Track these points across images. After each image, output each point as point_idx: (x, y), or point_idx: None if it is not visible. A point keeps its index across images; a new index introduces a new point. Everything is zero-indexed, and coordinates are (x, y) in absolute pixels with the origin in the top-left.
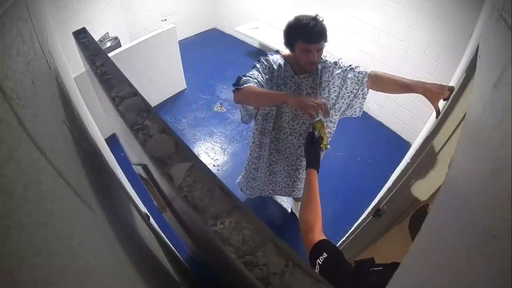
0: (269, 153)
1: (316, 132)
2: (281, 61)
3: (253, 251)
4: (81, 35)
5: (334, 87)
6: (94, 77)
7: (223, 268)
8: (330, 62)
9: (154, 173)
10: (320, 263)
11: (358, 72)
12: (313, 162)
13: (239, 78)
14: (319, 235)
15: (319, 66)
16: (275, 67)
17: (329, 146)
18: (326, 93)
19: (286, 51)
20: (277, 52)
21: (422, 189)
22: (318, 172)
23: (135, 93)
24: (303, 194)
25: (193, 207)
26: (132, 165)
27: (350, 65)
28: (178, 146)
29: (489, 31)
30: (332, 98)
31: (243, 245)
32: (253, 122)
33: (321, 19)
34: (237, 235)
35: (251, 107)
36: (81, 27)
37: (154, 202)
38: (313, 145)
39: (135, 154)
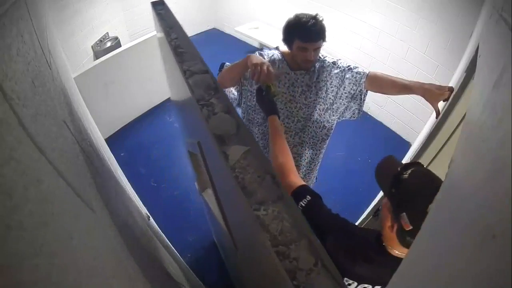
0: (262, 147)
1: (263, 86)
2: (277, 56)
3: (288, 243)
4: (159, 6)
5: (331, 87)
6: (166, 46)
7: (252, 255)
8: (328, 62)
9: (208, 150)
10: (304, 205)
11: (356, 73)
12: (270, 110)
13: (222, 64)
14: (298, 179)
15: (317, 65)
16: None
17: (278, 89)
18: (323, 92)
19: (285, 48)
20: (276, 48)
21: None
22: (279, 117)
23: (206, 71)
24: (270, 142)
25: (242, 189)
26: (185, 140)
27: (348, 66)
28: (240, 128)
29: (489, 31)
30: (330, 98)
31: (280, 235)
32: (241, 111)
33: (320, 19)
34: (277, 224)
35: (234, 93)
36: (80, 27)
37: (196, 182)
38: (263, 96)
39: (192, 128)
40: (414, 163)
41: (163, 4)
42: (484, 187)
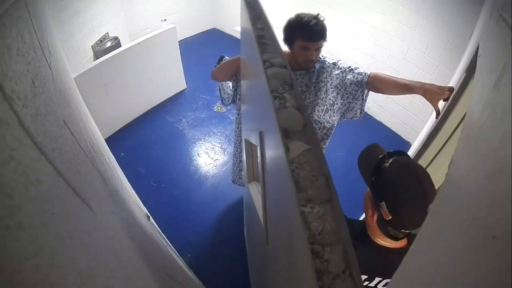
0: None
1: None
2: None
3: (324, 244)
4: None
5: (331, 88)
6: (250, 34)
7: (281, 250)
8: (328, 63)
9: (269, 140)
10: None
11: (358, 73)
12: None
13: (222, 57)
14: None
15: (317, 66)
16: None
17: None
18: (323, 93)
19: (284, 48)
20: None
21: None
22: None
23: (286, 66)
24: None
25: (295, 183)
26: (243, 129)
27: (349, 66)
28: (306, 127)
29: (489, 31)
30: (330, 99)
31: (319, 235)
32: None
33: (322, 18)
34: (319, 224)
35: (229, 91)
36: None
37: (245, 171)
38: None
39: (258, 117)
40: (398, 151)
41: None
42: (484, 188)
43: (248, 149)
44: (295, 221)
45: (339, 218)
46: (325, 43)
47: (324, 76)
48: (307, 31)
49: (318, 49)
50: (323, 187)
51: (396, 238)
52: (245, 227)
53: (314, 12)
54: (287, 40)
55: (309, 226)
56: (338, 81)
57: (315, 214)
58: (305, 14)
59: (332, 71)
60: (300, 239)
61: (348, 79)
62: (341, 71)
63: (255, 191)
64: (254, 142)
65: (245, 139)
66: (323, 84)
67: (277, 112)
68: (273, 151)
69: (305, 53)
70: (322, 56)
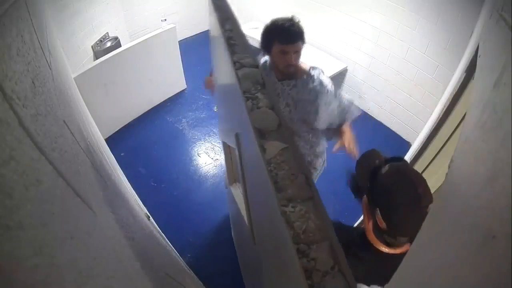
0: None
1: None
2: (268, 64)
3: (310, 243)
4: None
5: (314, 108)
6: (219, 36)
7: (271, 251)
8: (317, 81)
9: (245, 141)
10: None
11: (347, 106)
12: None
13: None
14: None
15: (306, 79)
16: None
17: None
18: (306, 112)
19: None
20: (269, 56)
21: None
22: None
23: (256, 66)
24: None
25: (274, 183)
26: (220, 131)
27: (339, 92)
28: (281, 126)
29: (489, 31)
30: (313, 113)
31: (303, 234)
32: None
33: (297, 20)
34: (302, 223)
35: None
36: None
37: (226, 175)
38: None
39: (232, 119)
40: (396, 158)
41: None
42: (485, 188)
43: (226, 151)
44: (278, 222)
45: (322, 215)
46: (303, 46)
47: (311, 94)
48: (283, 33)
49: (297, 52)
50: (303, 185)
51: (394, 246)
52: (232, 228)
53: (289, 15)
54: (264, 46)
55: (292, 226)
56: (324, 105)
57: (297, 213)
58: (280, 18)
59: (320, 90)
60: (285, 239)
61: (333, 108)
62: (327, 94)
63: (237, 193)
64: (231, 145)
65: (222, 141)
66: (308, 103)
67: (250, 113)
68: (250, 152)
69: (284, 57)
70: (313, 70)
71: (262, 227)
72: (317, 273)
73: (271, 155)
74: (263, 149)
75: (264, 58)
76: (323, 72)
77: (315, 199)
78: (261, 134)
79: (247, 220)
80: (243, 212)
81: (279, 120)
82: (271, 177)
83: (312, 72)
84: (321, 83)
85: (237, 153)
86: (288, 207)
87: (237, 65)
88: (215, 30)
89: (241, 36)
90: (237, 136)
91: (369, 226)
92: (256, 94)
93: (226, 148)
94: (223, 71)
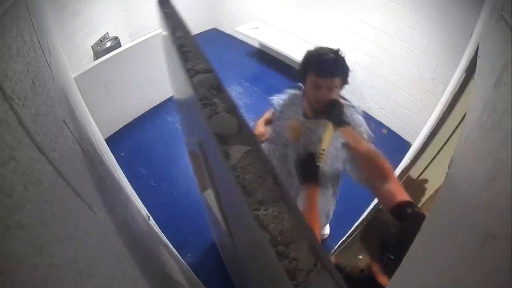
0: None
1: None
2: (296, 100)
3: (288, 243)
4: (165, 5)
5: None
6: (171, 45)
7: (251, 255)
8: (350, 119)
9: (209, 149)
10: None
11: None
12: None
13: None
14: None
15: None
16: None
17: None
18: (339, 154)
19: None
20: (298, 87)
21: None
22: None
23: (210, 70)
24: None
25: (243, 189)
26: (185, 140)
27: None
28: (241, 128)
29: (489, 31)
30: (345, 159)
31: (280, 235)
32: None
33: (342, 54)
34: (277, 224)
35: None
36: (80, 27)
37: (197, 181)
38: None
39: (195, 127)
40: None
41: (169, 2)
42: (485, 188)
43: (193, 159)
44: (253, 227)
45: (295, 214)
46: (343, 84)
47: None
48: (319, 64)
49: (332, 89)
50: (272, 186)
51: None
52: (212, 233)
53: (336, 46)
54: (300, 75)
55: (267, 229)
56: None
57: (270, 215)
58: (325, 47)
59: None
60: (263, 243)
61: None
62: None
63: (211, 199)
64: (197, 152)
65: (189, 150)
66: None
67: (209, 120)
68: (215, 159)
69: (315, 91)
70: (346, 106)
71: (239, 232)
72: (300, 273)
73: (236, 160)
74: (226, 155)
75: (290, 95)
76: (357, 111)
77: (286, 198)
78: (223, 140)
79: (225, 227)
80: (220, 219)
81: (239, 123)
82: (238, 182)
83: (345, 111)
84: (354, 123)
85: (203, 161)
86: (260, 210)
87: (191, 72)
88: (166, 39)
89: (193, 42)
90: (200, 144)
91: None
92: (213, 100)
93: (192, 156)
94: (178, 80)
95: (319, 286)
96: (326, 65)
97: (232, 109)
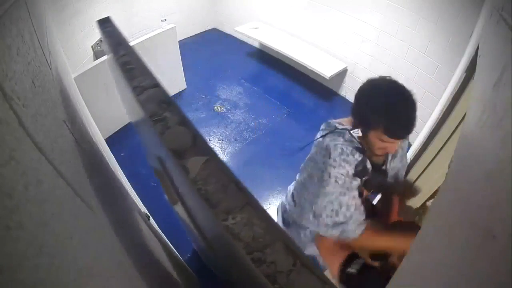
0: None
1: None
2: (356, 147)
3: (262, 248)
4: (105, 24)
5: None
6: (116, 66)
7: (231, 263)
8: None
9: (169, 165)
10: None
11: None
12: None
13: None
14: None
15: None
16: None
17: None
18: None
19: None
20: (347, 130)
21: (422, 189)
22: None
23: (157, 84)
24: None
25: (206, 201)
26: (147, 157)
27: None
28: (196, 139)
29: (489, 31)
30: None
31: (253, 242)
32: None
33: (414, 99)
34: (248, 231)
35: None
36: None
37: (165, 195)
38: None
39: (152, 145)
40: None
41: (110, 21)
42: (485, 188)
43: (158, 175)
44: (225, 237)
45: (265, 216)
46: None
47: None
48: (397, 125)
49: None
50: (236, 193)
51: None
52: (191, 240)
53: (401, 83)
54: (360, 119)
55: (239, 237)
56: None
57: (240, 223)
58: (392, 86)
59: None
60: (238, 252)
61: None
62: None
63: (182, 212)
64: (159, 169)
65: (152, 166)
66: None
67: (162, 136)
68: (175, 174)
69: (384, 145)
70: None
71: (214, 242)
72: (281, 275)
73: (195, 172)
74: (185, 169)
75: (348, 143)
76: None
77: (252, 203)
78: (179, 154)
79: (200, 237)
80: (194, 230)
81: (193, 133)
82: (201, 195)
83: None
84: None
85: (166, 176)
86: (228, 220)
87: (138, 90)
88: (110, 60)
89: (137, 58)
90: (160, 160)
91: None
92: (164, 115)
93: (157, 172)
94: (128, 100)
95: (302, 285)
96: (406, 127)
97: (184, 121)
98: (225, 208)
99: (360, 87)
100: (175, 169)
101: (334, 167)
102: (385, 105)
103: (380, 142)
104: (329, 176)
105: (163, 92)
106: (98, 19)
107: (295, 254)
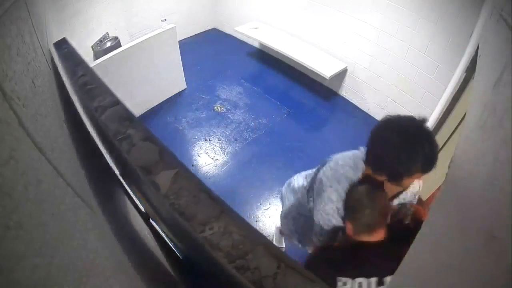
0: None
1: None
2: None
3: (244, 254)
4: (63, 46)
5: None
6: (75, 89)
7: (216, 273)
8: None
9: (140, 181)
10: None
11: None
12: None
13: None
14: None
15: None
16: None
17: None
18: None
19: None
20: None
21: (422, 189)
22: None
23: (117, 102)
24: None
25: (181, 214)
26: (118, 176)
27: None
28: (162, 153)
29: (489, 31)
30: None
31: (233, 250)
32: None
33: (435, 144)
34: (227, 239)
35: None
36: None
37: (143, 209)
38: None
39: (121, 163)
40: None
41: (66, 42)
42: (485, 188)
43: (135, 191)
44: (205, 249)
45: (241, 222)
46: None
47: None
48: (427, 164)
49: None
50: (208, 203)
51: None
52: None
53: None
54: (377, 166)
55: (219, 247)
56: None
57: (218, 233)
58: (419, 131)
59: None
60: (220, 263)
61: None
62: None
63: (160, 225)
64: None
65: (126, 184)
66: None
67: (129, 155)
68: (149, 191)
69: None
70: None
71: (196, 255)
72: (267, 280)
73: (166, 187)
74: (156, 185)
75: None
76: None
77: (226, 211)
78: (148, 171)
79: (184, 249)
80: (174, 240)
81: (159, 148)
82: (175, 209)
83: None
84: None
85: (140, 193)
86: (206, 231)
87: (99, 111)
88: (69, 82)
89: (95, 77)
90: (132, 177)
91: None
92: (127, 132)
93: (132, 189)
94: (90, 121)
95: (290, 286)
96: (431, 167)
97: (148, 136)
98: (201, 219)
99: (377, 131)
100: (147, 186)
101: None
102: (411, 147)
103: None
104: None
105: (124, 109)
106: (54, 42)
107: (278, 257)
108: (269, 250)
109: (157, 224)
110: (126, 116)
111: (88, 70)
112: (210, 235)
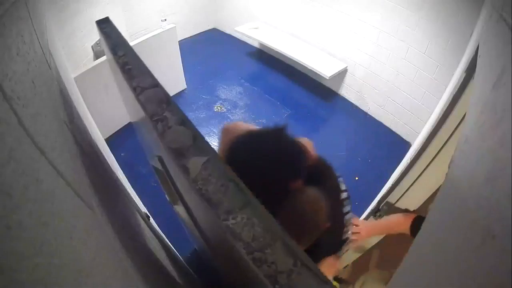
0: None
1: None
2: None
3: (263, 248)
4: (104, 25)
5: None
6: (115, 66)
7: (231, 263)
8: None
9: (169, 165)
10: None
11: None
12: None
13: None
14: None
15: None
16: None
17: None
18: None
19: None
20: None
21: (422, 189)
22: None
23: (156, 84)
24: None
25: (207, 201)
26: (147, 157)
27: None
28: (196, 139)
29: (489, 31)
30: None
31: (253, 242)
32: None
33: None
34: (248, 231)
35: None
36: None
37: (166, 195)
38: None
39: (152, 144)
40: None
41: (108, 21)
42: (484, 188)
43: (159, 175)
44: (226, 237)
45: (264, 216)
46: None
47: None
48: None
49: None
50: (236, 193)
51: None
52: (191, 239)
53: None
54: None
55: (240, 237)
56: None
57: (240, 223)
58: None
59: None
60: (238, 252)
61: None
62: None
63: (183, 211)
64: (160, 168)
65: (153, 166)
66: None
67: (162, 136)
68: (176, 174)
69: None
70: None
71: (215, 243)
72: (281, 276)
73: (196, 172)
74: (186, 169)
75: None
76: None
77: (252, 203)
78: (180, 154)
79: (201, 237)
80: (194, 230)
81: (193, 133)
82: (202, 195)
83: None
84: None
85: (167, 176)
86: (229, 220)
87: (138, 90)
88: (110, 60)
89: (136, 58)
90: (160, 160)
91: None
92: (164, 114)
93: (158, 172)
94: (129, 100)
95: (303, 286)
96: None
97: (184, 121)
98: (226, 208)
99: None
100: (176, 169)
101: None
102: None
103: None
104: None
105: (162, 92)
106: (97, 19)
107: (295, 254)
108: (287, 247)
109: (178, 211)
110: (163, 99)
111: (128, 51)
112: (233, 224)
